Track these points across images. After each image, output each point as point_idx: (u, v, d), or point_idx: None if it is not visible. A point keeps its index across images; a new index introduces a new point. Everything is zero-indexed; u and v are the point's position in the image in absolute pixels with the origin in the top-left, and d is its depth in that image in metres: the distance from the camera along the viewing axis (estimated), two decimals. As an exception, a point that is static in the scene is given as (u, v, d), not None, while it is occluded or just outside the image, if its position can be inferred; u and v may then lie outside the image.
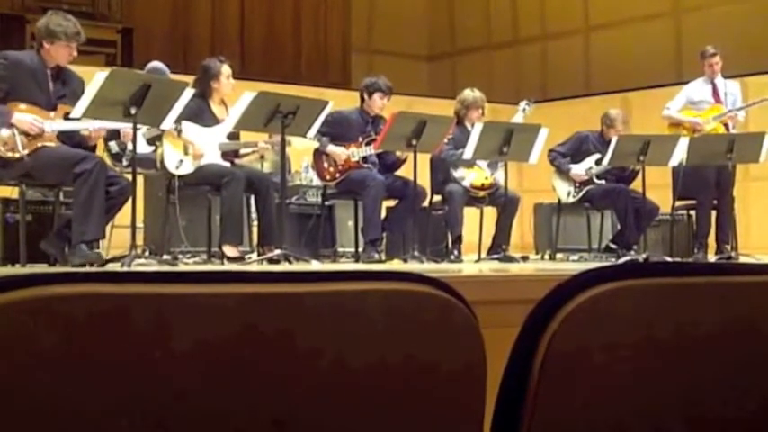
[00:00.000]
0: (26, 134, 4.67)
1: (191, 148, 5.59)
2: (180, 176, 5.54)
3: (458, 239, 6.47)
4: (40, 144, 4.72)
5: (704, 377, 0.94)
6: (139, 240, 5.33)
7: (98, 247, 5.09)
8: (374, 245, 6.03)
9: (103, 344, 0.71)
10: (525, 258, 6.77)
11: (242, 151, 5.95)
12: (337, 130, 6.24)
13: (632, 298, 0.88)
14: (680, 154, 6.65)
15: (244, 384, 0.76)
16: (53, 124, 4.78)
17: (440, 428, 0.86)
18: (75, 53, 4.94)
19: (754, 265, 0.98)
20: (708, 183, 7.08)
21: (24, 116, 4.68)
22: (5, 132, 4.64)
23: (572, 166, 7.18)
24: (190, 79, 5.64)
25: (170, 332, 0.73)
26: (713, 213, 7.17)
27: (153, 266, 4.82)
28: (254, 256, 5.68)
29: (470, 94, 6.89)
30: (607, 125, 7.31)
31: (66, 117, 4.80)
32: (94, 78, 4.56)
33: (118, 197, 4.74)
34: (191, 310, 0.74)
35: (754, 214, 9.06)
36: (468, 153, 6.20)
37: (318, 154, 6.32)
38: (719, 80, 7.44)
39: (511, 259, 6.28)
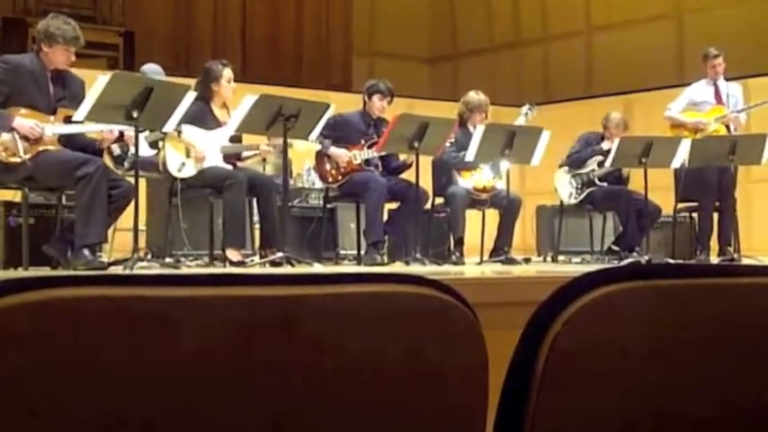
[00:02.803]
0: (26, 138, 4.67)
1: (193, 150, 5.59)
2: (182, 179, 5.54)
3: (460, 242, 6.47)
4: (41, 148, 4.72)
5: (708, 378, 0.93)
6: (142, 243, 5.33)
7: (101, 251, 5.10)
8: (376, 247, 6.03)
9: (107, 346, 0.71)
10: (527, 260, 6.77)
11: (244, 154, 5.95)
12: (339, 132, 6.25)
13: (635, 300, 0.88)
14: (682, 156, 6.65)
15: (246, 386, 0.76)
16: (53, 128, 4.78)
17: (442, 430, 0.86)
18: (73, 57, 4.93)
19: (756, 267, 0.98)
20: (710, 184, 7.07)
21: (24, 120, 4.68)
22: (6, 137, 4.64)
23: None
24: (191, 82, 5.64)
25: (172, 335, 0.73)
26: (715, 215, 7.17)
27: (155, 269, 4.82)
28: (257, 258, 5.68)
29: (475, 96, 6.88)
30: (604, 126, 7.34)
31: (67, 120, 4.80)
32: (96, 82, 4.56)
33: (120, 200, 4.74)
34: (193, 313, 0.74)
35: (757, 216, 9.05)
36: (470, 155, 6.21)
37: (320, 156, 6.32)
38: (722, 82, 7.44)
39: (513, 261, 6.28)
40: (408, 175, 6.28)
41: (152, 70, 6.62)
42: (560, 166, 7.24)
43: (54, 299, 0.70)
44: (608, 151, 6.86)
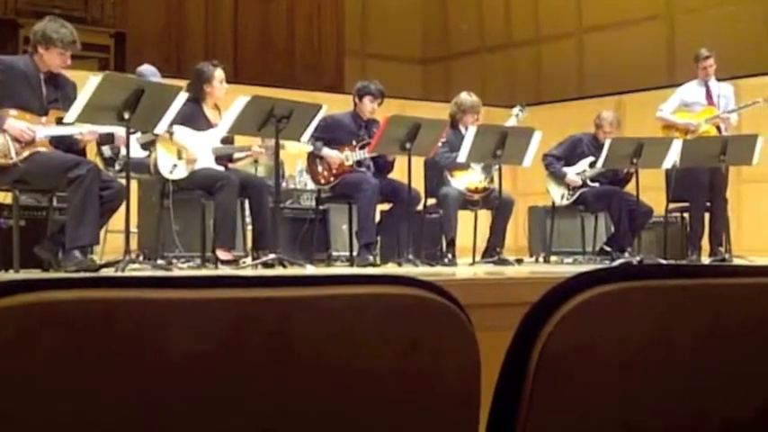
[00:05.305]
0: (18, 140, 4.66)
1: (184, 152, 5.58)
2: (174, 181, 5.53)
3: (452, 243, 6.47)
4: (32, 150, 4.70)
5: (698, 379, 0.94)
6: (133, 245, 5.32)
7: (92, 253, 5.08)
8: (369, 249, 6.03)
9: (98, 349, 0.71)
10: (519, 261, 6.77)
11: (236, 155, 5.94)
12: (330, 134, 6.24)
13: (627, 300, 0.88)
14: (673, 156, 6.66)
15: (239, 389, 0.76)
16: (45, 130, 4.76)
17: (435, 431, 0.86)
18: (68, 61, 4.93)
19: (747, 267, 0.98)
20: (701, 185, 7.09)
21: (16, 123, 4.66)
22: None
23: (567, 170, 7.19)
24: (183, 83, 5.63)
25: (164, 337, 0.73)
26: (706, 215, 7.19)
27: (147, 271, 4.81)
28: (249, 260, 5.67)
29: (468, 98, 6.88)
30: (596, 125, 7.34)
31: (59, 121, 4.79)
32: (87, 83, 4.55)
33: (111, 201, 4.72)
34: (185, 315, 0.74)
35: (747, 216, 9.08)
36: (462, 156, 6.21)
37: (312, 158, 6.32)
38: (713, 82, 7.47)
39: (505, 262, 6.28)
40: (401, 176, 6.28)
41: (148, 72, 6.60)
42: (545, 165, 7.24)
43: (45, 302, 0.69)
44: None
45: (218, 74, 5.83)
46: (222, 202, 5.46)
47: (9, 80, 4.78)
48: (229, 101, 5.53)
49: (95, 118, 4.70)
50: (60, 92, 4.93)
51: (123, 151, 5.19)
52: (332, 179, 6.27)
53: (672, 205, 7.25)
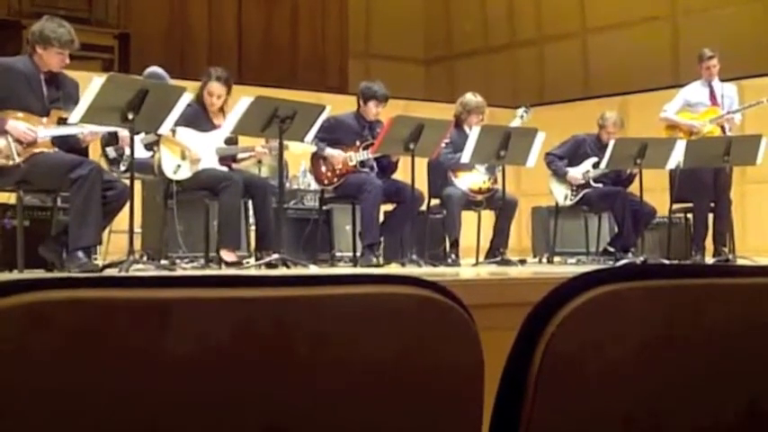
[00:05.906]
0: (20, 141, 4.66)
1: (188, 152, 5.58)
2: (177, 181, 5.53)
3: (455, 243, 6.47)
4: (35, 150, 4.71)
5: (702, 379, 0.94)
6: (137, 245, 5.33)
7: (95, 253, 5.09)
8: (372, 249, 6.03)
9: (99, 349, 0.71)
10: (523, 262, 6.77)
11: (239, 156, 5.95)
12: (334, 134, 6.25)
13: (630, 300, 0.88)
14: (677, 157, 6.66)
15: (242, 389, 0.76)
16: (46, 130, 4.76)
17: (438, 431, 0.86)
18: (67, 60, 4.92)
19: (751, 268, 0.98)
20: (705, 185, 7.08)
21: (17, 124, 4.66)
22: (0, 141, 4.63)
23: (569, 169, 7.19)
24: (187, 84, 5.63)
25: (167, 337, 0.73)
26: (710, 216, 7.18)
27: (151, 271, 4.81)
28: (252, 260, 5.67)
29: (473, 98, 6.88)
30: (600, 125, 7.34)
31: (61, 121, 4.79)
32: (91, 84, 4.55)
33: (115, 201, 4.73)
34: (188, 315, 0.74)
35: (751, 216, 9.07)
36: (465, 156, 6.21)
37: (316, 158, 6.32)
38: (716, 83, 7.46)
39: (508, 263, 6.28)
40: (404, 177, 6.28)
41: (156, 74, 6.56)
42: (547, 164, 7.24)
43: (45, 301, 0.69)
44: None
45: (211, 85, 5.77)
46: (226, 203, 5.46)
47: (9, 82, 4.77)
48: (233, 101, 5.53)
49: (99, 119, 4.70)
50: (62, 91, 4.93)
51: (127, 152, 5.19)
52: (335, 180, 6.27)
53: (675, 206, 7.24)
